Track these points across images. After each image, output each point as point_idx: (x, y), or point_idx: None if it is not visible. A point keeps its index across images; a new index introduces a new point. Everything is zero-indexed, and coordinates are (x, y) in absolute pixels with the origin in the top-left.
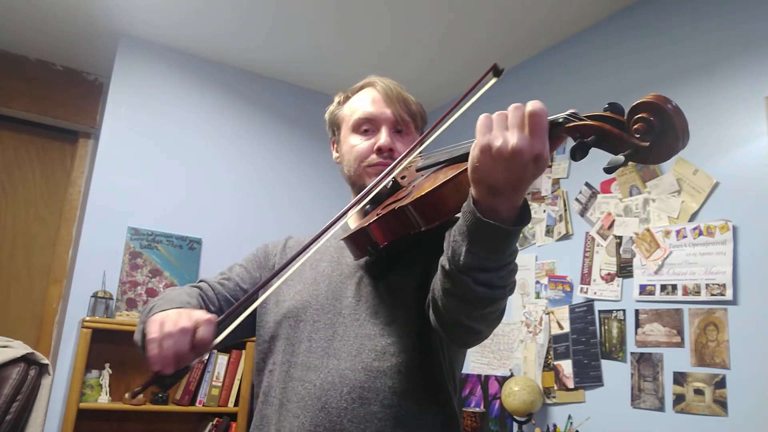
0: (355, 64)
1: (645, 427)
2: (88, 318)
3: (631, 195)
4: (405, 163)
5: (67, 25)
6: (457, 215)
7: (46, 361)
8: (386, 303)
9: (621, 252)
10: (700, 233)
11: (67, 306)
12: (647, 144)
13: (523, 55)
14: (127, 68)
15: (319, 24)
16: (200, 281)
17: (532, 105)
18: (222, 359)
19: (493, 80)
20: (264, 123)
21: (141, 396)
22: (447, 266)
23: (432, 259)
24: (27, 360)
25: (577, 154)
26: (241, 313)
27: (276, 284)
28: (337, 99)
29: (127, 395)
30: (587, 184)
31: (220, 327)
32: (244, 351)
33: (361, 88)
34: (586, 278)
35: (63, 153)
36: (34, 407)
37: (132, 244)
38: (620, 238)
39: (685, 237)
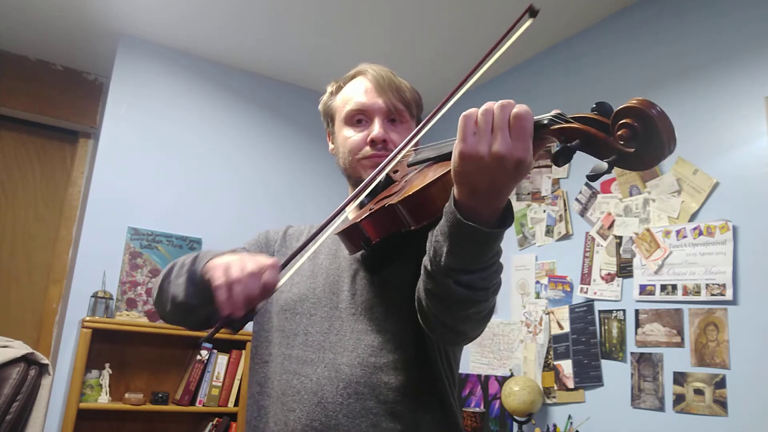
0: (355, 64)
1: (645, 427)
2: (88, 318)
3: (631, 195)
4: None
5: (67, 25)
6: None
7: (46, 361)
8: (382, 298)
9: (621, 252)
10: (700, 233)
11: (67, 306)
12: (632, 150)
13: (523, 55)
14: (127, 68)
15: (319, 24)
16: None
17: (517, 109)
18: (222, 359)
19: (529, 22)
20: (264, 123)
21: (141, 396)
22: (429, 267)
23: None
24: (27, 360)
25: (560, 159)
26: (295, 261)
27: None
28: (329, 89)
29: (200, 341)
30: (587, 184)
31: (282, 271)
32: (244, 351)
33: (353, 77)
34: (586, 278)
35: (63, 153)
36: (34, 407)
37: (132, 244)
38: (620, 238)
39: (685, 237)
